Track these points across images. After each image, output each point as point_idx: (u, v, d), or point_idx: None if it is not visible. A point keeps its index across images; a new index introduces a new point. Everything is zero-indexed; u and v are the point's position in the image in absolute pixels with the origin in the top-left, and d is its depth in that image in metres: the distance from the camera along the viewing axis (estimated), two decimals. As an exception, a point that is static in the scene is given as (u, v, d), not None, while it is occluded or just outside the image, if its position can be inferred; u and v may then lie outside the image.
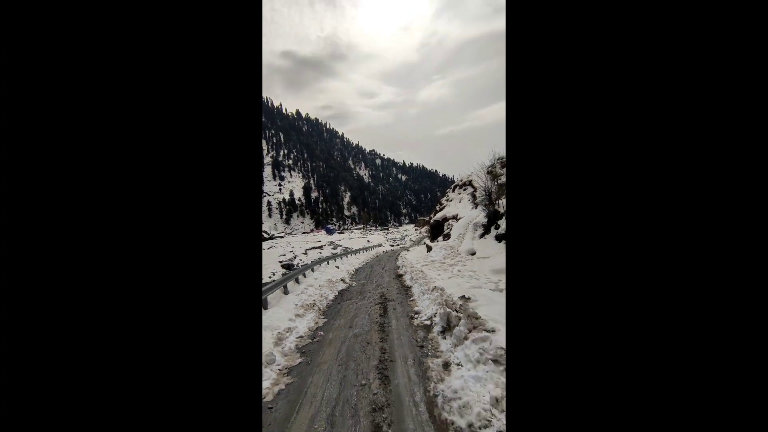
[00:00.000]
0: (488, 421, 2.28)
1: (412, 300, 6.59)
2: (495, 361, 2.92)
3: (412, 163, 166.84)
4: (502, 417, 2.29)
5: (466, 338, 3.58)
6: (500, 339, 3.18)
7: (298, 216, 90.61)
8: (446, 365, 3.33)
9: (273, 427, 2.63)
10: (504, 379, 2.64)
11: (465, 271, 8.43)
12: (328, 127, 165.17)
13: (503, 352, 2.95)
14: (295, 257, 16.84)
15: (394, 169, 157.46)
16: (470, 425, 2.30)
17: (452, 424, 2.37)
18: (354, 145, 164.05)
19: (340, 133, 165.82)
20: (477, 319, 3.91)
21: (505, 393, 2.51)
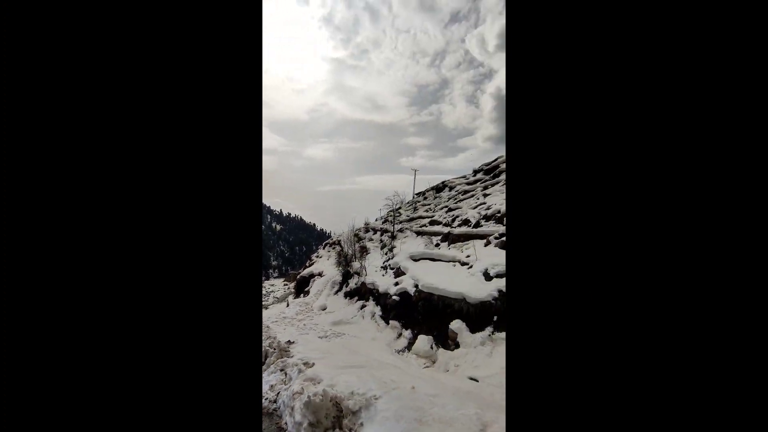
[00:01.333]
0: (267, 392, 4.75)
1: (251, 349, 8.32)
2: (282, 370, 5.47)
3: (289, 213, 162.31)
4: (273, 394, 4.79)
5: (273, 363, 5.97)
6: (292, 360, 5.76)
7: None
8: (257, 380, 5.56)
9: None
10: (281, 377, 5.19)
11: (310, 324, 10.32)
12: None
13: (289, 365, 5.53)
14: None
15: (269, 216, 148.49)
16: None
17: (247, 399, 4.71)
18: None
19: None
20: (286, 351, 6.41)
21: (281, 382, 5.04)
